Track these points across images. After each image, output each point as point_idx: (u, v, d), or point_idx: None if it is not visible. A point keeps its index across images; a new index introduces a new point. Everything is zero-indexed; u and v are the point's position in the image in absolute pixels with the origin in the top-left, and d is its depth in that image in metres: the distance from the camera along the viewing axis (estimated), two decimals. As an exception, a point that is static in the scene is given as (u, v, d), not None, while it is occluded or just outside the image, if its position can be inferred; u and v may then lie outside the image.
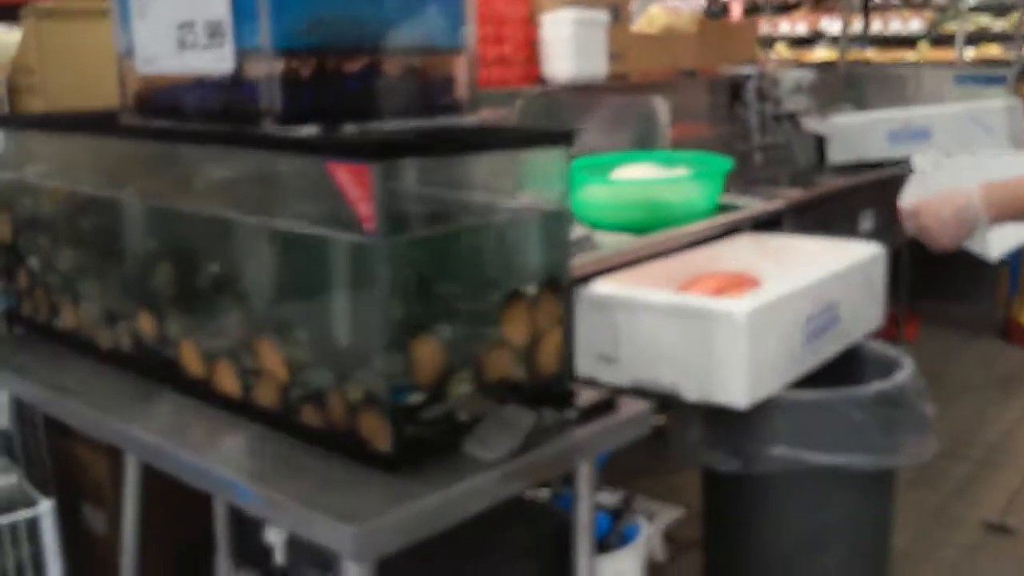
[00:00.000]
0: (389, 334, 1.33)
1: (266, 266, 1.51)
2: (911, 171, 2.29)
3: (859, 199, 3.60)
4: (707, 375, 1.96)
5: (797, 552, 2.18)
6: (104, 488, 2.31)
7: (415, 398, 1.38)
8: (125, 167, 1.76)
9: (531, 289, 1.53)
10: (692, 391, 1.99)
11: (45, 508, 1.75)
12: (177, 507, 2.19)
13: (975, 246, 1.97)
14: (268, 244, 1.50)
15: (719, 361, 1.94)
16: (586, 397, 1.61)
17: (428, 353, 1.39)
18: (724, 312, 1.92)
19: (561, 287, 1.57)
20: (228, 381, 1.57)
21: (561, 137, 1.52)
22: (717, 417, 2.07)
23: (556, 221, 1.55)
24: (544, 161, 1.52)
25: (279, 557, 1.94)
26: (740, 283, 2.36)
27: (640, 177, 2.58)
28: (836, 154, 4.26)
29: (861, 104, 4.74)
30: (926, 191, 2.04)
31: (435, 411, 1.41)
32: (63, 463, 2.41)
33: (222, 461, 1.44)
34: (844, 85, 4.76)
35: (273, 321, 1.50)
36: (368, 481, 1.35)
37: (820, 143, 4.31)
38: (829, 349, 2.25)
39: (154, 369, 1.72)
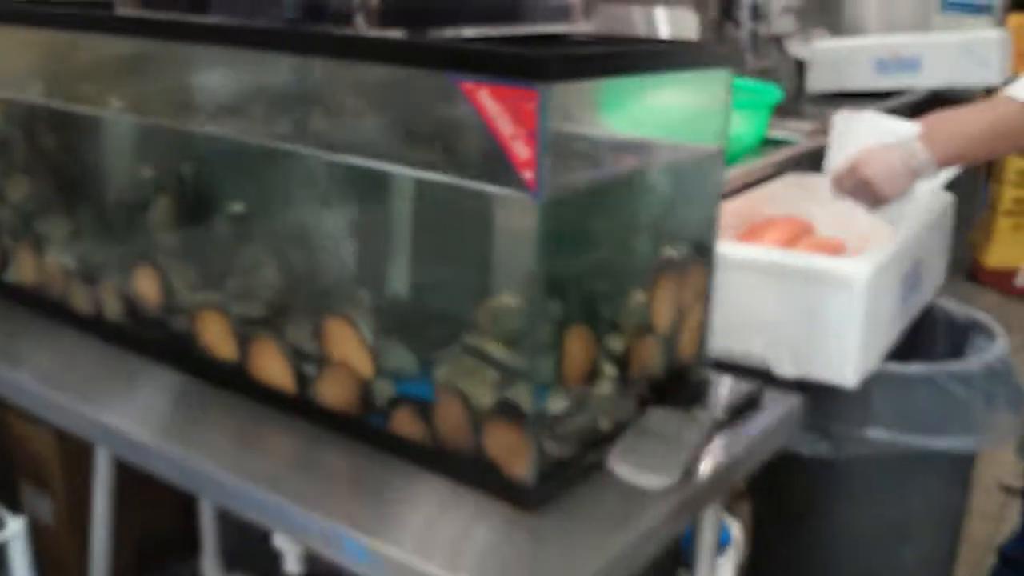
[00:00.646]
0: (539, 321, 0.97)
1: (343, 219, 1.13)
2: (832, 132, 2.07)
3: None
4: (810, 347, 1.65)
5: (875, 544, 1.92)
6: (49, 468, 1.90)
7: (559, 404, 1.03)
8: (113, 72, 1.32)
9: (677, 255, 1.18)
10: (787, 366, 1.68)
11: (15, 530, 1.34)
12: (137, 492, 1.81)
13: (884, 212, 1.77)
14: (349, 189, 1.11)
15: (829, 331, 1.63)
16: (724, 389, 1.28)
17: (580, 346, 1.04)
18: (842, 274, 1.60)
19: (710, 252, 1.23)
20: (274, 368, 1.19)
21: (728, 57, 1.16)
22: (801, 393, 1.76)
23: (712, 166, 1.20)
24: (707, 87, 1.16)
25: (293, 566, 1.58)
26: (803, 233, 2.07)
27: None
28: (816, 82, 3.97)
29: (836, 29, 4.46)
30: (851, 149, 1.81)
31: (579, 421, 1.07)
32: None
33: (276, 485, 1.06)
34: (819, 8, 4.46)
35: (350, 293, 1.12)
36: (507, 523, 0.99)
37: (800, 69, 4.02)
38: (912, 313, 1.98)
39: (156, 345, 1.32)
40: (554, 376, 1.01)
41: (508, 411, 1.00)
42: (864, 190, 1.70)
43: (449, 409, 1.05)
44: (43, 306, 1.45)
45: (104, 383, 1.29)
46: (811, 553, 1.98)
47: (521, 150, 0.92)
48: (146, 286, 1.31)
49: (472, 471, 1.04)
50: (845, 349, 1.64)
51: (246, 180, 1.21)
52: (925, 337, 2.10)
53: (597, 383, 1.08)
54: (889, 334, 1.80)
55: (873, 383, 1.74)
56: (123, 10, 1.24)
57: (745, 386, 1.28)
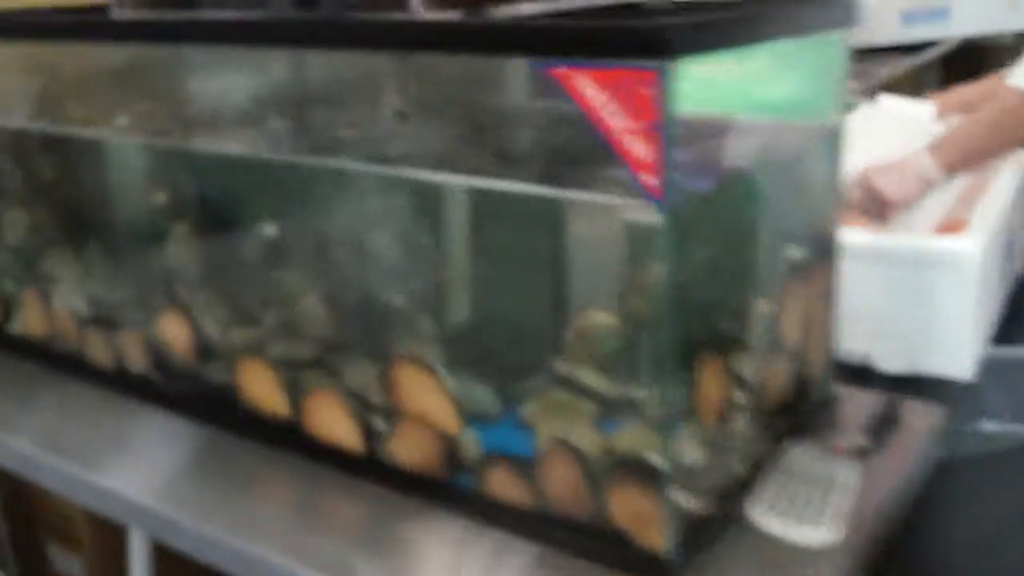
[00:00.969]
0: (669, 357, 0.79)
1: (403, 238, 0.94)
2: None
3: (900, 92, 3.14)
4: (919, 338, 1.46)
5: (987, 545, 1.73)
6: (78, 526, 1.72)
7: (697, 452, 0.85)
8: (118, 89, 1.14)
9: (801, 256, 1.00)
10: (893, 360, 1.49)
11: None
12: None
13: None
14: (408, 203, 0.92)
15: (939, 318, 1.44)
16: (857, 406, 1.10)
17: (715, 381, 0.85)
18: (952, 253, 1.42)
19: (833, 246, 1.05)
20: (334, 423, 1.01)
21: (850, 15, 0.97)
22: (901, 390, 1.58)
23: (832, 145, 1.01)
24: (824, 53, 0.97)
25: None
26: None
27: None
28: (843, 39, 3.76)
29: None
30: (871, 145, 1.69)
31: (718, 468, 0.88)
32: (12, 489, 1.80)
33: (347, 571, 0.88)
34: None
35: (418, 325, 0.94)
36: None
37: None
38: (1007, 287, 1.79)
39: (189, 399, 1.14)
40: (689, 417, 0.83)
41: (635, 466, 0.82)
42: (875, 203, 1.59)
43: (556, 465, 0.86)
44: (55, 359, 1.27)
45: (131, 449, 1.11)
46: (917, 561, 1.80)
47: (639, 148, 0.73)
48: (172, 330, 1.13)
49: (591, 542, 0.85)
50: (959, 337, 1.45)
51: (281, 200, 1.02)
52: (1014, 311, 1.92)
53: (731, 418, 0.90)
54: (993, 314, 1.62)
55: (984, 371, 1.56)
56: (122, 13, 1.05)
57: (880, 400, 1.10)
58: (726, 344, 0.88)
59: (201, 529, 0.96)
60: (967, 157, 1.56)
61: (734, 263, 0.88)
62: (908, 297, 1.46)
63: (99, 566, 1.70)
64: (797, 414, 1.01)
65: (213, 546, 0.95)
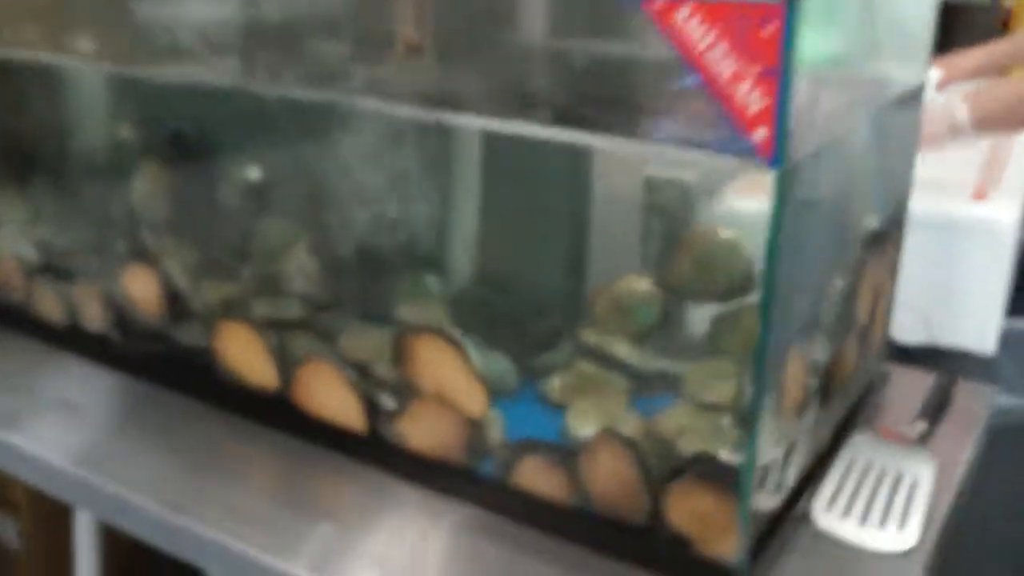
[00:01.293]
0: (764, 342, 0.67)
1: (421, 190, 0.80)
2: None
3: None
4: (944, 310, 1.38)
5: (1004, 521, 1.67)
6: (12, 488, 1.56)
7: (775, 451, 0.73)
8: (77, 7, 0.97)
9: (878, 226, 0.88)
10: (915, 332, 1.40)
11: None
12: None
13: None
14: (423, 149, 0.79)
15: (966, 289, 1.36)
16: (904, 386, 1.00)
17: (797, 366, 0.74)
18: (987, 222, 1.32)
19: (904, 217, 0.93)
20: (334, 401, 0.87)
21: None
22: (911, 361, 1.49)
23: (913, 106, 0.89)
24: (917, 4, 0.85)
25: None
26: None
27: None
28: None
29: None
30: None
31: (788, 465, 0.77)
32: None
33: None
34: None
35: (438, 293, 0.80)
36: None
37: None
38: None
39: (155, 363, 0.99)
40: (772, 408, 0.71)
41: (704, 467, 0.70)
42: None
43: (601, 456, 0.74)
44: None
45: (82, 418, 0.96)
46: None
47: (751, 98, 0.60)
48: (136, 283, 0.98)
49: (641, 544, 0.74)
50: (986, 309, 1.36)
51: (270, 137, 0.88)
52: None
53: (805, 406, 0.78)
54: (1007, 286, 1.54)
55: (999, 344, 1.48)
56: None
57: (933, 380, 1.00)
58: (807, 324, 0.76)
59: (161, 514, 0.82)
60: (1001, 116, 1.47)
61: (825, 232, 0.76)
62: (934, 266, 1.37)
63: (37, 531, 1.55)
64: (856, 398, 0.91)
65: (176, 533, 0.82)
